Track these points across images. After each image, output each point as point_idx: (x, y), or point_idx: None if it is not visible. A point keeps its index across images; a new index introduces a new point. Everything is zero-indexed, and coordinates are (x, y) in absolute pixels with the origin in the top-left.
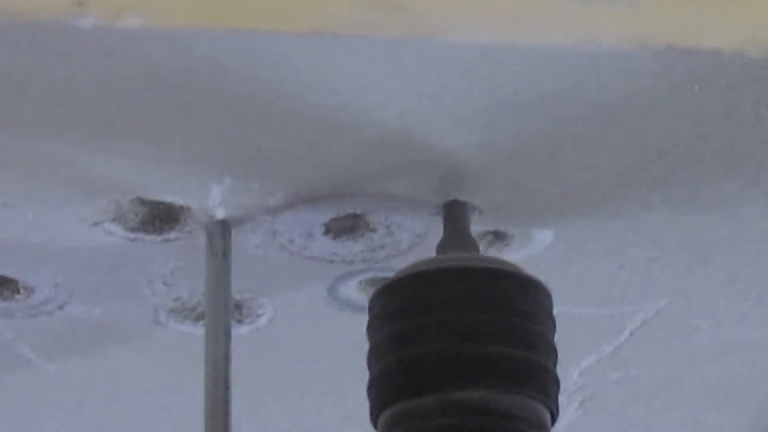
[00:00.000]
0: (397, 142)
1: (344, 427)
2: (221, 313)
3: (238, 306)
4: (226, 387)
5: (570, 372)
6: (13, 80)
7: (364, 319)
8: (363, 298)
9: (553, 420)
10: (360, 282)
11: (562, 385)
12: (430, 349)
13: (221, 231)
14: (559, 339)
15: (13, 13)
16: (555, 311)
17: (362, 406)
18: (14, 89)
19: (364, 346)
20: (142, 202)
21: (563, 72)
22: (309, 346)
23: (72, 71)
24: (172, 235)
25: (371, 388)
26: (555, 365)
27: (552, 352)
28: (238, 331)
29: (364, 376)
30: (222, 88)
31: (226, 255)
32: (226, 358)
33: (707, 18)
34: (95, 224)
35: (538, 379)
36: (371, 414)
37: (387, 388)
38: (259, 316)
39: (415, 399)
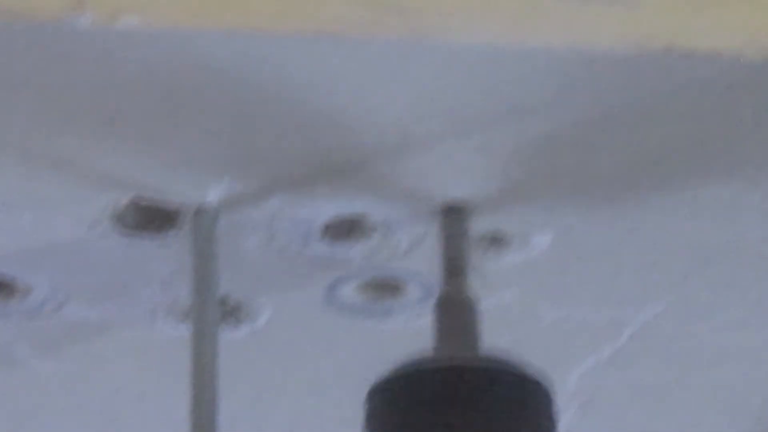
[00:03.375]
0: (396, 144)
1: (342, 429)
2: (209, 314)
3: (236, 308)
4: (213, 389)
5: (569, 375)
6: (10, 80)
7: (361, 321)
8: (361, 300)
9: None
10: (358, 284)
11: (561, 389)
12: None
13: (208, 228)
14: (558, 342)
15: (11, 12)
16: (554, 314)
17: (360, 408)
18: (11, 89)
19: (362, 349)
20: (141, 202)
21: (562, 74)
22: (307, 349)
23: (69, 72)
24: (170, 236)
25: None
26: None
27: None
28: (236, 334)
29: (361, 378)
30: (220, 89)
31: (213, 252)
32: (213, 361)
33: (706, 20)
34: (93, 225)
35: None
36: None
37: None
38: (256, 318)
39: None
